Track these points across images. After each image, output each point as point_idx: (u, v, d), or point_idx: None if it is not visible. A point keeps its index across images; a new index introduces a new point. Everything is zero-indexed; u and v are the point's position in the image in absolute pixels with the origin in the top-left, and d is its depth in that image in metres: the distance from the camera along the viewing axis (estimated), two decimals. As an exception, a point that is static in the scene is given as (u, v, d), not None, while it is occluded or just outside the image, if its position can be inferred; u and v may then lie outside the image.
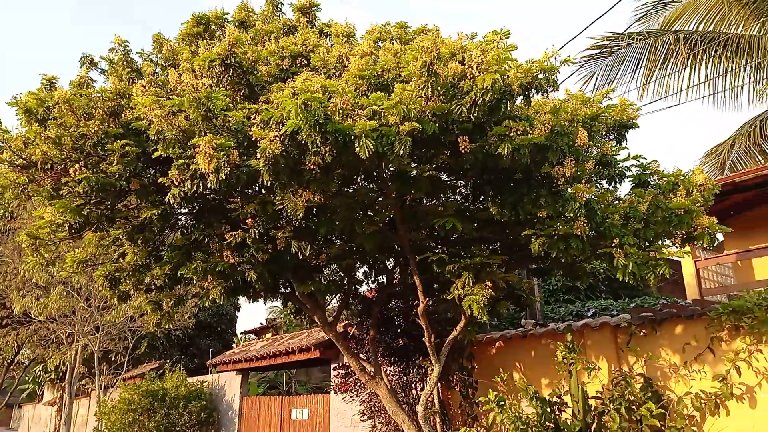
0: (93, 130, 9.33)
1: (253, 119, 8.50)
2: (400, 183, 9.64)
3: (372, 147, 7.36)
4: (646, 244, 9.41)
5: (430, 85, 7.48)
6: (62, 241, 11.96)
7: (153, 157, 9.23)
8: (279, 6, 12.37)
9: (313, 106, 7.25)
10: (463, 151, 8.33)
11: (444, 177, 10.75)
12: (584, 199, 8.54)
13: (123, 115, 10.03)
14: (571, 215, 8.52)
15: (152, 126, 8.46)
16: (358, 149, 7.42)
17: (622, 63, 23.68)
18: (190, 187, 9.02)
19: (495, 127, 8.00)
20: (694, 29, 23.20)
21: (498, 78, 7.15)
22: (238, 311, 51.95)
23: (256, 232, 10.62)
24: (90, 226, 10.90)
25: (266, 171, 7.90)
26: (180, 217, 12.97)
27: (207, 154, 7.99)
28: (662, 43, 22.49)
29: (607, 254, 9.02)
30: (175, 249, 12.56)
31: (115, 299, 13.02)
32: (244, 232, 10.68)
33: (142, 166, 9.82)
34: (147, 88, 9.00)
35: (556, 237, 9.05)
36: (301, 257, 10.91)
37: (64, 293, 27.13)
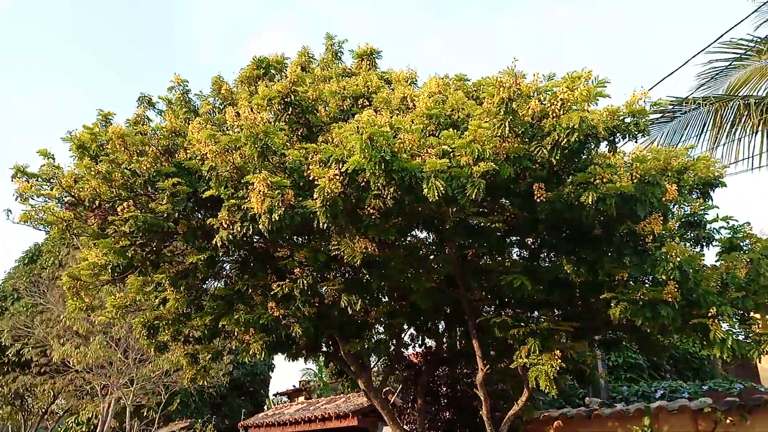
0: (145, 167, 8.97)
1: (311, 159, 7.97)
2: (464, 235, 8.85)
3: (442, 189, 6.66)
4: (746, 315, 8.24)
5: (507, 124, 6.81)
6: (104, 285, 11.53)
7: (204, 196, 8.75)
8: (338, 54, 12.16)
9: (378, 141, 6.65)
10: (538, 200, 7.52)
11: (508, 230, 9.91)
12: (677, 260, 7.53)
13: (176, 155, 9.72)
14: (663, 278, 7.50)
15: (206, 162, 8.02)
16: (426, 191, 6.72)
17: (686, 128, 22.74)
18: (239, 229, 8.46)
19: (578, 173, 7.19)
20: (763, 95, 22.23)
21: (586, 116, 6.42)
22: (272, 371, 50.71)
23: (305, 282, 9.91)
24: (133, 269, 10.43)
25: (323, 212, 7.26)
26: (224, 265, 12.44)
27: (261, 193, 7.44)
28: (730, 108, 21.58)
29: (701, 326, 7.89)
30: (217, 299, 11.95)
31: (153, 350, 12.39)
32: (291, 283, 10.00)
33: (191, 206, 9.35)
34: (203, 125, 8.64)
35: (641, 303, 8.01)
36: (350, 313, 10.10)
37: (105, 343, 26.82)
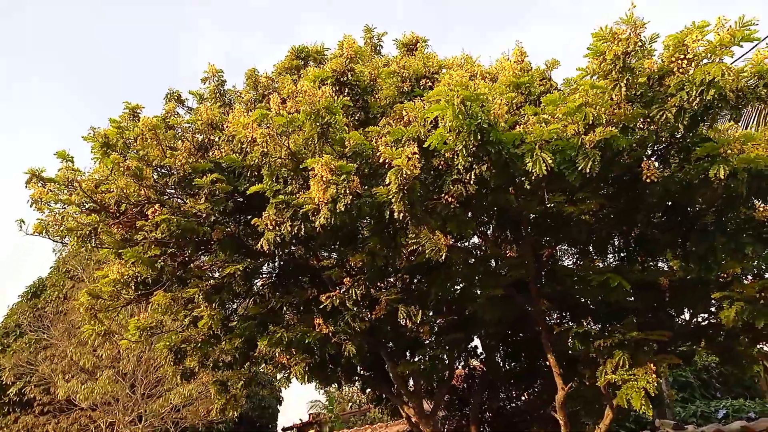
0: (180, 163, 7.86)
1: (376, 142, 6.88)
2: (548, 229, 7.70)
3: (550, 162, 5.53)
4: None
5: (623, 84, 5.71)
6: (127, 304, 10.31)
7: (249, 192, 7.63)
8: (378, 48, 11.17)
9: (473, 108, 5.55)
10: (648, 181, 6.38)
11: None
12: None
13: (212, 153, 8.63)
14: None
15: (255, 149, 6.90)
16: (530, 165, 5.60)
17: None
18: (288, 230, 7.32)
19: (702, 144, 6.06)
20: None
21: (726, 68, 5.33)
22: (280, 404, 48.87)
23: (357, 293, 8.73)
24: (161, 283, 9.24)
25: (399, 199, 6.11)
26: (255, 281, 11.25)
27: (323, 180, 6.32)
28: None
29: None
30: (248, 319, 10.73)
31: (178, 377, 11.11)
32: (342, 294, 8.80)
33: (231, 206, 8.21)
34: (245, 113, 7.56)
35: (763, 302, 6.83)
36: (408, 326, 8.88)
37: (112, 377, 25.42)
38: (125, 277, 9.47)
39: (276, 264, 11.09)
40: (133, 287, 9.61)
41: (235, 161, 8.04)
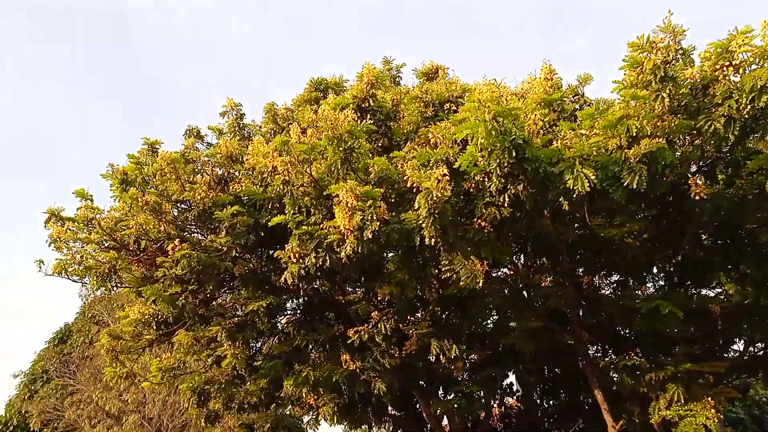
0: (199, 197, 7.63)
1: (401, 167, 6.57)
2: (585, 254, 7.22)
3: (593, 178, 5.13)
4: None
5: (665, 95, 5.31)
6: (149, 345, 10.01)
7: (270, 224, 7.34)
8: (397, 79, 10.96)
9: (506, 124, 5.20)
10: (696, 198, 5.91)
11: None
12: None
13: (231, 187, 8.40)
14: None
15: (276, 178, 6.64)
16: (570, 182, 5.20)
17: None
18: (313, 261, 6.97)
19: (752, 158, 5.59)
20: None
21: (778, 72, 4.92)
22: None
23: (386, 327, 8.29)
24: (183, 322, 8.93)
25: (430, 224, 5.73)
26: (280, 318, 10.89)
27: (348, 207, 5.99)
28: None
29: None
30: (273, 358, 10.35)
31: (202, 420, 10.70)
32: (371, 328, 8.37)
33: (253, 239, 7.91)
34: (265, 143, 7.33)
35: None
36: (442, 362, 8.36)
37: (138, 422, 25.04)
38: (146, 317, 9.20)
39: (300, 300, 10.73)
40: (155, 327, 9.32)
41: (256, 193, 7.79)
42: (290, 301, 10.32)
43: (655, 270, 7.91)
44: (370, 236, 5.96)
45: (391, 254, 10.19)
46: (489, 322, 9.03)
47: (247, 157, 7.66)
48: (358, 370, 8.65)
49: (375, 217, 5.93)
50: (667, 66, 5.33)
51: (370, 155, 6.76)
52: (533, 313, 8.14)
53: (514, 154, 5.16)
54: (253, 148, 7.21)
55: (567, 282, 7.58)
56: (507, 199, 5.84)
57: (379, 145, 7.61)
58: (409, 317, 8.71)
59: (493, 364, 9.71)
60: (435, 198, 5.64)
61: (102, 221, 8.38)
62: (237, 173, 8.33)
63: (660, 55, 5.31)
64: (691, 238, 6.84)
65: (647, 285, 8.14)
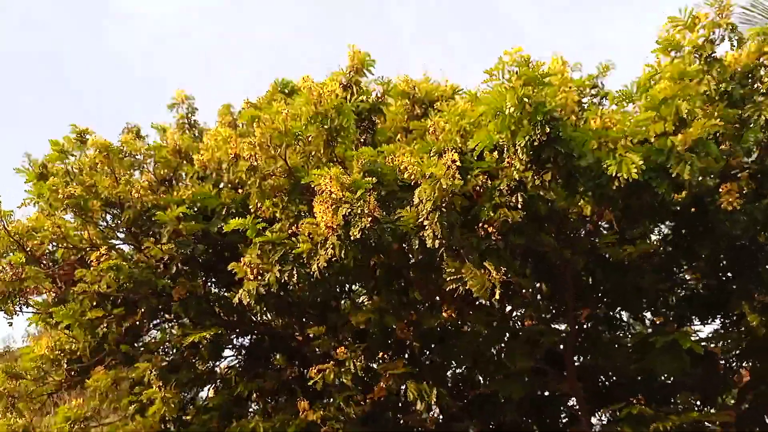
0: (136, 196, 6.24)
1: (393, 161, 5.51)
2: (592, 277, 6.27)
3: (640, 163, 4.23)
4: None
5: (713, 76, 4.57)
6: (55, 391, 8.16)
7: (223, 232, 6.04)
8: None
9: (536, 96, 4.28)
10: (730, 209, 5.13)
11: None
12: None
13: (177, 191, 7.04)
14: None
15: (239, 165, 5.39)
16: (611, 168, 4.28)
17: None
18: (277, 276, 5.68)
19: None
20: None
21: None
22: None
23: (356, 364, 6.95)
24: (103, 356, 7.24)
25: (436, 221, 4.64)
26: (218, 363, 9.35)
27: (332, 199, 4.83)
28: None
29: None
30: (209, 411, 8.71)
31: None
32: (336, 367, 6.99)
33: (201, 250, 6.50)
34: (225, 133, 6.11)
35: None
36: (420, 408, 7.04)
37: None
38: (56, 353, 7.48)
39: (247, 338, 9.21)
40: (65, 364, 7.59)
41: (208, 195, 6.49)
42: (236, 337, 8.80)
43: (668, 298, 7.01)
44: (357, 235, 4.79)
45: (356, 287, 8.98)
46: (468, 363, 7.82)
47: (201, 151, 6.40)
48: (317, 421, 7.19)
49: (366, 212, 4.78)
50: (709, 44, 4.64)
51: (355, 145, 5.68)
52: (530, 351, 7.04)
53: (547, 130, 4.20)
54: (211, 135, 5.98)
55: (569, 314, 6.56)
56: (523, 196, 4.87)
57: (361, 141, 6.53)
58: (382, 354, 7.40)
59: (469, 415, 8.43)
60: (444, 186, 4.58)
61: (10, 226, 6.77)
62: (185, 175, 7.02)
63: (706, 30, 4.62)
64: (712, 259, 6.05)
65: (646, 316, 7.25)
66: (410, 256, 6.24)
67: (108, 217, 6.76)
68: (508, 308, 7.61)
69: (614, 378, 8.25)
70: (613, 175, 4.29)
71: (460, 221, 5.01)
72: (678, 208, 5.94)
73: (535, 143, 4.27)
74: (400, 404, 7.94)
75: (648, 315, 7.43)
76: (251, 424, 7.54)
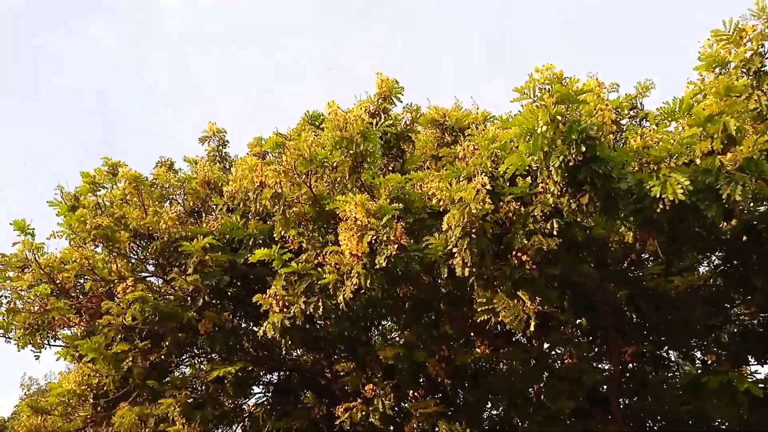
0: (165, 226, 6.19)
1: (421, 188, 5.31)
2: (637, 311, 5.85)
3: (687, 184, 3.92)
4: None
5: (762, 92, 4.26)
6: (83, 427, 8.03)
7: (248, 263, 5.91)
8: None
9: (570, 115, 4.05)
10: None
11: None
12: None
13: (206, 223, 6.99)
14: None
15: (264, 193, 5.28)
16: (656, 189, 3.98)
17: None
18: (302, 308, 5.48)
19: None
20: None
21: None
22: None
23: (385, 403, 6.62)
24: (129, 392, 7.10)
25: (466, 248, 4.39)
26: (259, 383, 9.12)
27: (357, 226, 4.65)
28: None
29: None
30: (235, 451, 8.44)
31: None
32: (364, 405, 6.68)
33: (227, 281, 6.37)
34: (251, 162, 6.03)
35: None
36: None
37: None
38: (82, 387, 7.41)
39: (276, 375, 8.96)
40: (92, 400, 7.49)
41: (235, 226, 6.39)
42: (264, 374, 8.57)
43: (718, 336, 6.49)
44: (383, 263, 4.57)
45: (387, 322, 8.69)
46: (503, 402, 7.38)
47: (230, 181, 6.34)
48: (345, 461, 6.84)
49: (392, 239, 4.57)
50: (763, 58, 4.35)
51: (381, 172, 5.52)
52: (571, 390, 6.59)
53: (583, 149, 3.95)
54: (238, 164, 5.92)
55: (613, 352, 6.12)
56: (559, 222, 4.58)
57: (390, 169, 6.38)
58: (412, 393, 7.05)
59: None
60: (474, 211, 4.34)
61: (41, 259, 6.81)
62: (214, 206, 6.96)
63: (753, 45, 4.34)
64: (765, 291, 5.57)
65: (695, 355, 6.72)
66: (440, 287, 5.99)
67: (137, 249, 6.70)
68: (546, 346, 7.22)
69: (663, 422, 7.67)
70: (657, 196, 3.98)
71: (492, 249, 4.75)
72: (728, 237, 5.53)
73: (570, 164, 4.02)
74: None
75: (698, 354, 6.91)
76: (278, 465, 7.24)
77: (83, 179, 6.57)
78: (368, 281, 4.70)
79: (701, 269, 6.30)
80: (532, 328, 4.49)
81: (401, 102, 6.34)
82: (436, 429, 6.83)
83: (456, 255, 4.50)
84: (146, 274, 6.81)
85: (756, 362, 6.46)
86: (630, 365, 6.92)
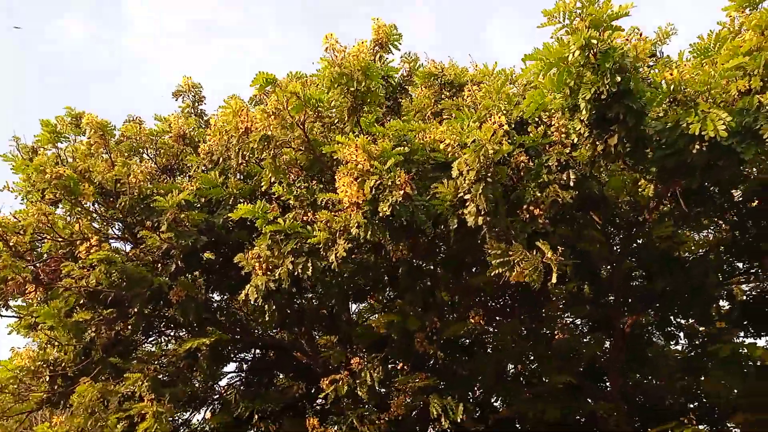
0: (133, 181, 5.56)
1: (421, 138, 4.86)
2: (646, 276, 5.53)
3: (729, 120, 3.58)
4: None
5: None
6: (38, 408, 7.35)
7: (230, 220, 5.36)
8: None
9: (603, 41, 3.65)
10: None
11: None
12: None
13: (180, 179, 6.39)
14: None
15: (251, 136, 4.74)
16: (695, 127, 3.62)
17: None
18: (289, 269, 4.98)
19: None
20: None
21: None
22: None
23: (373, 376, 6.17)
24: (88, 367, 6.44)
25: (478, 192, 3.96)
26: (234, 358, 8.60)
27: (358, 170, 4.16)
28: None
29: None
30: (206, 435, 7.89)
31: None
32: (350, 378, 6.21)
33: (204, 242, 5.77)
34: (235, 105, 5.46)
35: None
36: (444, 425, 6.22)
37: None
38: (37, 363, 6.72)
39: (251, 353, 8.39)
40: (48, 377, 6.80)
41: (213, 184, 5.82)
42: (238, 353, 7.99)
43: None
44: (387, 212, 4.10)
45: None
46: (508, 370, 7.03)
47: (208, 136, 5.76)
48: (329, 441, 6.37)
49: (396, 185, 4.10)
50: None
51: (381, 122, 5.04)
52: (568, 364, 6.28)
53: (618, 79, 3.56)
54: (220, 110, 5.36)
55: (614, 322, 5.81)
56: (575, 173, 4.20)
57: (387, 119, 5.89)
58: (401, 365, 6.60)
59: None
60: (491, 152, 3.91)
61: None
62: (189, 165, 6.36)
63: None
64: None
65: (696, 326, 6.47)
66: (438, 249, 5.57)
67: (103, 207, 6.06)
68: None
69: (660, 395, 7.43)
70: (696, 134, 3.62)
71: (503, 202, 4.34)
72: (741, 199, 5.27)
73: (603, 96, 3.62)
74: (418, 427, 7.11)
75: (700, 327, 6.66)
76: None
77: (43, 128, 5.87)
78: (369, 233, 4.22)
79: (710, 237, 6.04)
80: (554, 280, 4.09)
81: (399, 50, 5.88)
82: (420, 404, 6.42)
83: (468, 202, 4.06)
84: (113, 238, 6.16)
85: (755, 334, 6.23)
86: (628, 338, 6.62)
